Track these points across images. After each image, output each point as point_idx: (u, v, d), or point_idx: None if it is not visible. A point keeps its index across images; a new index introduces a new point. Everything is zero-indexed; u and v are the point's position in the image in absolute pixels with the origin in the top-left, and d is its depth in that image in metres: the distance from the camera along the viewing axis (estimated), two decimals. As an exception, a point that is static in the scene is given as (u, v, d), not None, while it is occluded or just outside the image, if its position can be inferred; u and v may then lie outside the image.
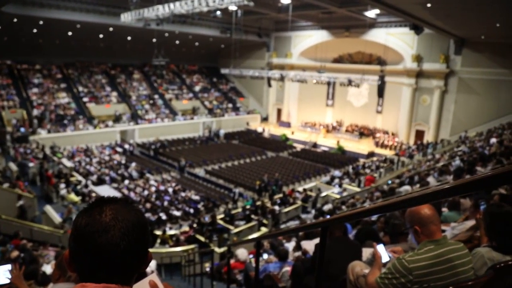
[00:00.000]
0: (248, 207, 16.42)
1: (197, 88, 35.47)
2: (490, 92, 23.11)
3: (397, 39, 26.18)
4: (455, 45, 24.05)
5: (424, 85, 25.84)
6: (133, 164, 21.99)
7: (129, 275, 0.90)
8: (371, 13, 23.83)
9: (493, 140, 14.52)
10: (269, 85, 28.90)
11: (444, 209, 5.08)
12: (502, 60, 22.11)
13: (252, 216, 15.12)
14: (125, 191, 17.84)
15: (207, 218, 15.15)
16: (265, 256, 6.76)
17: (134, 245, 0.88)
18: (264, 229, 14.17)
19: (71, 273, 2.10)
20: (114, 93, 29.57)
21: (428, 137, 25.78)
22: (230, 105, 35.37)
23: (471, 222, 3.49)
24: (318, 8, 22.88)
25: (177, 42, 31.17)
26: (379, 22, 26.08)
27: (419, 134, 26.67)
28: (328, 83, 28.06)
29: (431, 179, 9.90)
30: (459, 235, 3.16)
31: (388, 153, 25.19)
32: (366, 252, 3.44)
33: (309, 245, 5.84)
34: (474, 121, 23.58)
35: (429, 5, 15.55)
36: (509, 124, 18.89)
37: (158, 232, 13.09)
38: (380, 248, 2.45)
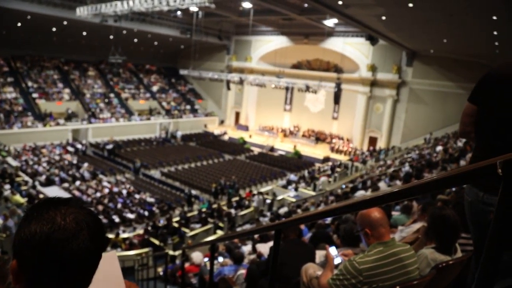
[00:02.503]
0: (204, 210, 16.30)
1: (154, 88, 34.75)
2: (438, 103, 24.41)
3: (353, 49, 27.05)
4: (407, 57, 25.22)
5: (377, 94, 26.85)
6: (85, 165, 21.17)
7: (91, 278, 0.87)
8: (330, 22, 24.49)
9: (439, 148, 15.37)
10: (228, 88, 28.88)
11: (394, 212, 5.31)
12: (448, 74, 23.45)
13: (208, 219, 15.03)
14: (76, 193, 17.14)
15: (162, 221, 14.88)
16: (220, 259, 6.73)
17: (101, 248, 0.86)
18: (220, 232, 14.12)
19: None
20: (67, 90, 28.36)
21: (381, 144, 26.78)
22: (188, 107, 34.95)
23: (418, 225, 3.67)
24: (279, 14, 23.19)
25: (136, 40, 30.41)
26: (337, 31, 26.83)
27: (372, 141, 27.64)
28: (287, 88, 28.46)
29: (382, 184, 10.30)
30: (406, 237, 3.32)
31: (343, 158, 25.89)
32: (320, 254, 3.52)
33: (264, 248, 5.89)
34: (423, 130, 24.79)
35: (383, 17, 16.24)
36: (454, 133, 20.04)
37: (110, 235, 12.68)
38: (332, 250, 2.52)
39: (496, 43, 15.28)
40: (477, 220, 1.58)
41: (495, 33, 13.40)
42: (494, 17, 11.31)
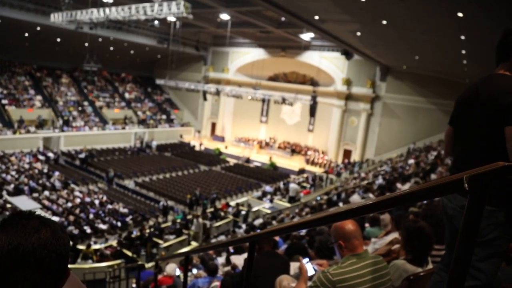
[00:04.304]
0: (178, 221, 16.11)
1: (130, 97, 34.33)
2: (410, 117, 25.10)
3: (329, 63, 27.57)
4: (381, 72, 25.89)
5: (352, 108, 27.37)
6: (56, 174, 20.59)
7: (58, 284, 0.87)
8: (306, 36, 24.90)
9: (411, 161, 15.75)
10: (205, 98, 28.84)
11: (367, 225, 5.39)
12: (420, 89, 24.20)
13: (183, 230, 14.84)
14: (46, 202, 16.60)
15: (135, 232, 14.60)
16: (195, 271, 6.65)
17: (64, 248, 0.87)
18: (194, 244, 13.96)
19: None
20: (39, 97, 27.62)
21: (355, 156, 27.21)
22: (164, 117, 34.63)
23: (391, 237, 3.74)
24: (257, 26, 23.44)
25: (111, 48, 30.04)
26: (314, 45, 27.32)
27: (347, 153, 28.06)
28: (263, 100, 28.67)
29: (356, 196, 10.46)
30: (379, 249, 3.38)
31: (318, 170, 26.17)
32: (294, 266, 3.54)
33: (239, 260, 5.87)
34: (396, 143, 25.40)
35: (358, 33, 16.67)
36: (426, 147, 20.60)
37: (81, 247, 12.33)
38: (306, 262, 2.54)
39: (465, 61, 15.91)
40: (446, 214, 1.80)
41: (463, 52, 13.96)
42: (462, 37, 11.80)
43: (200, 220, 15.05)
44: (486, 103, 1.61)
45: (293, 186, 18.93)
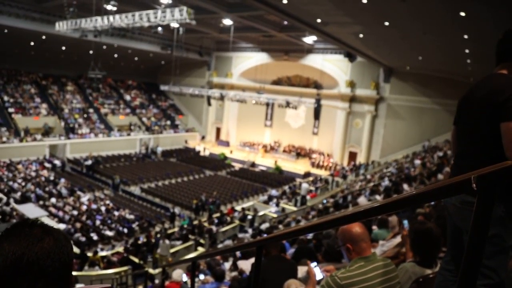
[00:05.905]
0: (185, 226, 16.10)
1: (135, 104, 34.49)
2: (414, 118, 25.01)
3: (332, 65, 27.56)
4: (384, 73, 25.83)
5: (357, 110, 27.31)
6: (62, 181, 20.68)
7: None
8: (309, 39, 24.93)
9: (417, 162, 15.67)
10: (209, 103, 28.92)
11: (374, 227, 5.35)
12: (424, 90, 24.11)
13: (189, 235, 14.84)
14: (53, 210, 16.67)
15: (141, 238, 14.61)
16: (202, 276, 6.64)
17: (67, 255, 0.88)
18: (201, 249, 13.94)
19: None
20: (44, 105, 27.82)
21: (361, 159, 27.10)
22: (168, 122, 34.74)
23: (398, 239, 3.71)
24: (259, 31, 23.51)
25: (116, 55, 30.24)
26: (316, 48, 27.33)
27: (352, 156, 27.96)
28: (267, 104, 28.70)
29: (362, 198, 10.41)
30: (387, 252, 3.35)
31: (323, 173, 26.08)
32: (302, 270, 3.52)
33: (246, 265, 5.86)
34: (401, 144, 25.29)
35: (361, 35, 16.67)
36: (432, 147, 20.48)
37: (88, 254, 12.36)
38: (314, 266, 2.52)
39: (468, 61, 15.83)
40: (448, 211, 1.83)
41: (466, 51, 13.90)
42: (465, 36, 11.75)
43: (167, 241, 13.27)
44: (482, 101, 1.66)
45: (305, 185, 19.16)
